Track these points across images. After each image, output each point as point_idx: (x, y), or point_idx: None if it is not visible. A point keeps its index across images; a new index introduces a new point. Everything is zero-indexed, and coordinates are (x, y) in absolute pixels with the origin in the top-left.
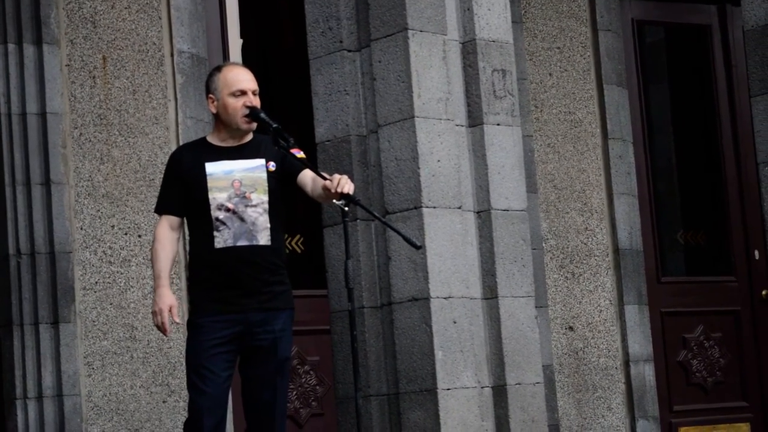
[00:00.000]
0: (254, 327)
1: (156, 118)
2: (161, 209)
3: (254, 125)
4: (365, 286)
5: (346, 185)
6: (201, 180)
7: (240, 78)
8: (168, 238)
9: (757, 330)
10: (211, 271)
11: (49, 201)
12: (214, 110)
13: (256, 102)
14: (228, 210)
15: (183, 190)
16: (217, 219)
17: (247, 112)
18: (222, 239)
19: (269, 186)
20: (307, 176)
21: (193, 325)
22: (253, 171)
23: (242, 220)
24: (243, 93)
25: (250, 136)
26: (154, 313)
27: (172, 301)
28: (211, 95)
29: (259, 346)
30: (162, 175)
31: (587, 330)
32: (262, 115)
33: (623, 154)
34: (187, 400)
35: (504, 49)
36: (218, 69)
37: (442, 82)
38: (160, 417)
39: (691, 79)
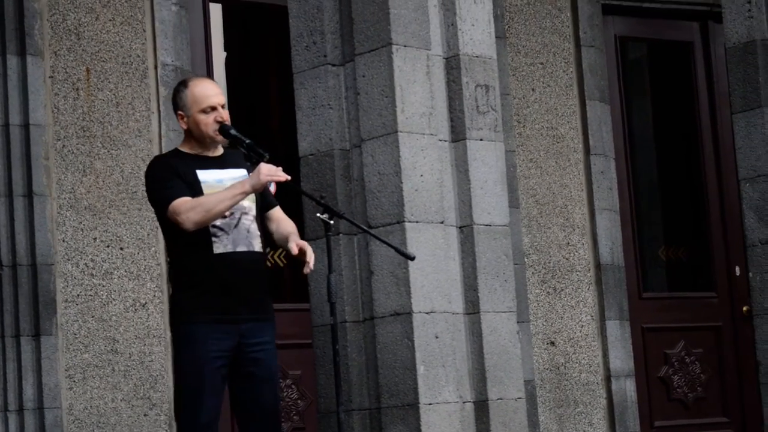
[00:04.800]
0: (246, 339)
1: (139, 130)
2: (174, 195)
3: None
4: (347, 300)
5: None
6: (196, 186)
7: (208, 93)
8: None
9: (738, 346)
10: (209, 277)
11: (32, 213)
12: (185, 126)
13: (225, 115)
14: (225, 216)
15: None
16: (215, 225)
17: (218, 128)
18: (222, 245)
19: (255, 195)
20: (276, 214)
21: (185, 332)
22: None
23: (237, 226)
24: (213, 108)
25: (221, 149)
26: (267, 175)
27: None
28: (180, 112)
29: (254, 359)
30: (151, 183)
31: (569, 345)
32: (233, 131)
33: (605, 170)
34: (173, 411)
35: (487, 64)
36: (184, 84)
37: (425, 97)
38: (141, 430)
39: (674, 95)
